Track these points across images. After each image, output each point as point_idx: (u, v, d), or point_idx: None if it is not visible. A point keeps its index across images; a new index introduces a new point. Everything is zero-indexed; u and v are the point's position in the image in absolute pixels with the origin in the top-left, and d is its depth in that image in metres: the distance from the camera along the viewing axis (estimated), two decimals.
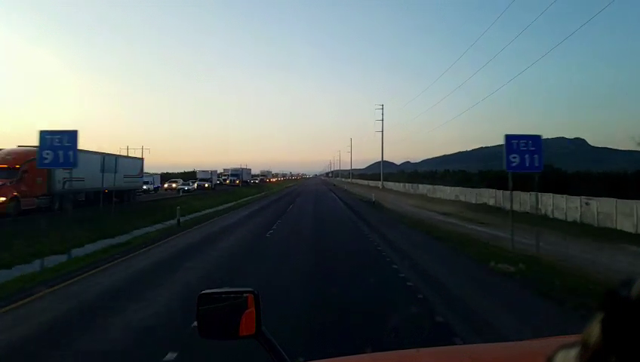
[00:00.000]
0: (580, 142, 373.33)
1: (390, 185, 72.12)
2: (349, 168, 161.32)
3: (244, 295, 1.54)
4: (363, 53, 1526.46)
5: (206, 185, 64.53)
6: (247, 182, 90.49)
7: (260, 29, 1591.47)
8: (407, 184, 63.20)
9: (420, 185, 54.07)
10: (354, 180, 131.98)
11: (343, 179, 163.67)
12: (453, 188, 42.85)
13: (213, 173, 76.78)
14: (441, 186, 46.69)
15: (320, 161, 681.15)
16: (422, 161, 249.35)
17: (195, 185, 63.84)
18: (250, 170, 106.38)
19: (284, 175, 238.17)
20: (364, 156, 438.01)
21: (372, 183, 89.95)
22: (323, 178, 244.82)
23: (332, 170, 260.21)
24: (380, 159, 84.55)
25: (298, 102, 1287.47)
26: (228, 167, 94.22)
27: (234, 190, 60.74)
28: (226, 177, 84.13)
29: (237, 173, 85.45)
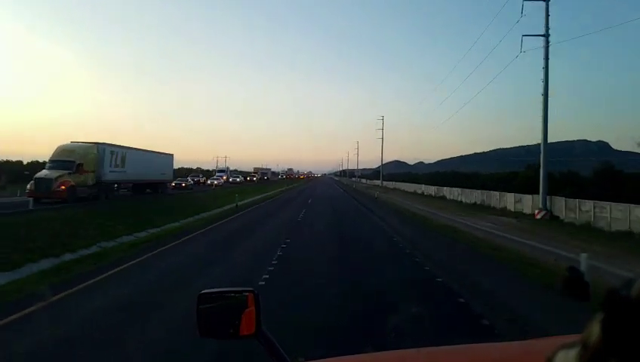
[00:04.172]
0: (602, 145, 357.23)
1: (464, 195, 40.49)
2: (360, 168, 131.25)
3: (244, 294, 1.50)
4: (367, 52, 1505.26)
5: None
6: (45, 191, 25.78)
7: (257, 24, 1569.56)
8: (519, 194, 34.04)
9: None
10: (387, 183, 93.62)
11: (364, 181, 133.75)
12: None
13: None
14: None
15: (328, 160, 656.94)
16: (437, 162, 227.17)
17: None
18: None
19: (264, 173, 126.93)
20: (370, 156, 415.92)
21: (435, 190, 61.88)
22: (336, 178, 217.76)
23: (343, 168, 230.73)
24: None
25: (307, 101, 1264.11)
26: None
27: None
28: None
29: None
